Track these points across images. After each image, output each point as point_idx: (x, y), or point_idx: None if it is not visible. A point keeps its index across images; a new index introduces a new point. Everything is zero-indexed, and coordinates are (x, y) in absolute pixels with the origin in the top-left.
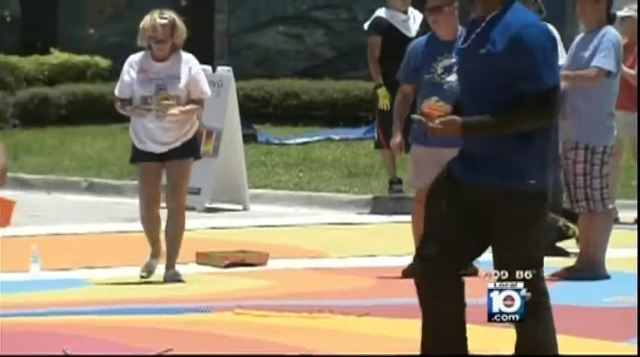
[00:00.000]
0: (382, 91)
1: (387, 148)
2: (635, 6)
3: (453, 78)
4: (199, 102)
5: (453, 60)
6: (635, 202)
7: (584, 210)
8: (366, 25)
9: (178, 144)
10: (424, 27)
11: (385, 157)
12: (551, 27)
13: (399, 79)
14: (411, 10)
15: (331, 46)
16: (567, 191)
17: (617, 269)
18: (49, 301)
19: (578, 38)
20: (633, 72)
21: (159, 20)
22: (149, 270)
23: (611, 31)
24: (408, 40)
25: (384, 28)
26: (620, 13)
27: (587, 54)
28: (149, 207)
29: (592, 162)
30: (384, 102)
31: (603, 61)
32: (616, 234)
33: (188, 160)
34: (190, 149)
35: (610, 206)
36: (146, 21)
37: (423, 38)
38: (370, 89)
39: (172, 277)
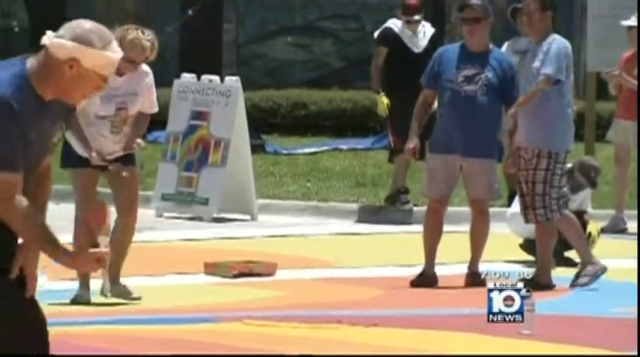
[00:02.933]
0: (380, 98)
1: (416, 159)
2: None
3: (472, 87)
4: (145, 117)
5: (475, 71)
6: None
7: (541, 218)
8: (376, 34)
9: (122, 153)
10: (434, 41)
11: (398, 164)
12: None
13: (421, 84)
14: (422, 24)
15: (339, 56)
16: (522, 202)
17: (626, 280)
18: (57, 312)
19: (530, 52)
20: None
21: (144, 42)
22: (82, 301)
23: (558, 39)
24: (413, 54)
25: (392, 40)
26: (628, 23)
27: (537, 64)
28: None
29: (553, 171)
30: (382, 108)
31: (550, 69)
32: (625, 245)
33: (136, 168)
34: (134, 158)
35: (566, 212)
36: (126, 37)
37: (451, 47)
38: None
39: (124, 295)
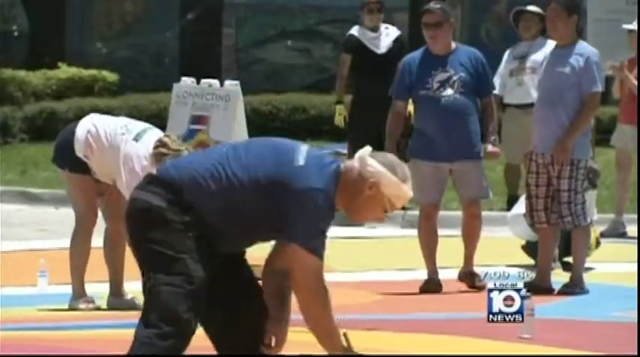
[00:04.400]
0: (339, 109)
1: None
2: None
3: (449, 92)
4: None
5: (448, 74)
6: None
7: (569, 225)
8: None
9: None
10: (399, 43)
11: None
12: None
13: (391, 95)
14: (385, 26)
15: (339, 60)
16: (529, 204)
17: (626, 284)
18: (57, 316)
19: (549, 54)
20: None
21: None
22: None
23: (589, 49)
24: (377, 56)
25: (354, 46)
26: (629, 27)
27: (567, 70)
28: (91, 229)
29: (576, 177)
30: (339, 119)
31: (599, 86)
32: (625, 249)
33: None
34: None
35: (589, 220)
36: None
37: (416, 54)
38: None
39: (133, 306)
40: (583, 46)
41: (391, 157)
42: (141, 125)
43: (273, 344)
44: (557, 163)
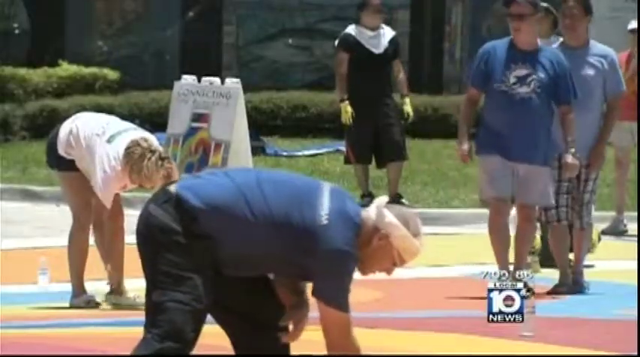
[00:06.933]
0: (344, 106)
1: (356, 162)
2: None
3: (525, 89)
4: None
5: (527, 71)
6: None
7: (586, 225)
8: (336, 42)
9: None
10: (394, 43)
11: (356, 172)
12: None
13: (466, 82)
14: (382, 26)
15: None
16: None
17: (626, 282)
18: (58, 314)
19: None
20: None
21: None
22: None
23: (608, 50)
24: (374, 56)
25: (351, 45)
26: (631, 26)
27: (592, 72)
28: (87, 226)
29: (595, 180)
30: (346, 117)
31: (624, 86)
32: (625, 246)
33: None
34: None
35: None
36: (154, 168)
37: (498, 44)
38: None
39: (133, 304)
40: (600, 47)
41: (405, 211)
42: (120, 126)
43: (291, 328)
44: (586, 167)
